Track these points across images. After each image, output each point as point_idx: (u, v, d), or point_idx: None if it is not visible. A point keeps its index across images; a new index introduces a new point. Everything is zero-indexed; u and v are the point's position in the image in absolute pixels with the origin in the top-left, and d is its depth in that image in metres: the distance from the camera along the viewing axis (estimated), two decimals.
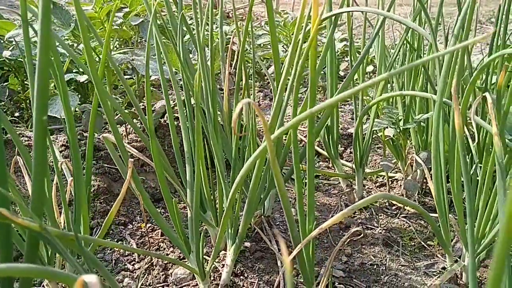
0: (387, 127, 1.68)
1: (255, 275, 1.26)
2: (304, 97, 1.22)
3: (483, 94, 0.86)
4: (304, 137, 2.13)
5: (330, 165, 1.91)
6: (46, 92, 0.55)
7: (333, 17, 1.30)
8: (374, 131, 1.69)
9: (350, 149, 2.09)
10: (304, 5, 0.81)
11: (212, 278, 1.21)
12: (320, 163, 2.00)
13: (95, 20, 1.47)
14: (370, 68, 2.84)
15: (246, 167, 0.81)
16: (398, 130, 1.53)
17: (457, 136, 0.87)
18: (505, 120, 0.94)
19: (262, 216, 1.38)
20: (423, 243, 1.39)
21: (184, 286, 1.18)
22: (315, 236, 0.85)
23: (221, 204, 1.19)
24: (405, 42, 1.54)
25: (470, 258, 1.01)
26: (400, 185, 1.76)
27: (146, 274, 1.22)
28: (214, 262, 1.25)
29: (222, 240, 1.03)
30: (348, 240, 1.43)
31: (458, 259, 1.24)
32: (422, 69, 1.58)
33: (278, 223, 1.54)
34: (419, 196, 1.67)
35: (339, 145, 2.12)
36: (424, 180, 1.71)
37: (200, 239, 1.04)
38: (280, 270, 1.26)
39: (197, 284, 1.16)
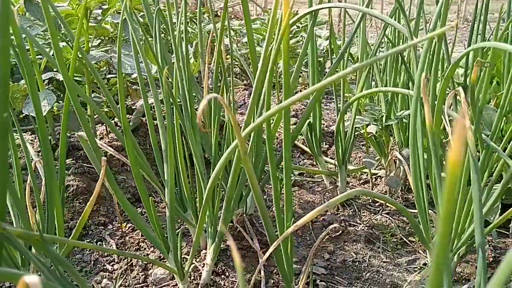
0: (369, 124, 1.68)
1: (236, 274, 1.24)
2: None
3: (456, 89, 0.86)
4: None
5: (315, 162, 1.91)
6: (6, 87, 0.53)
7: (313, 13, 1.29)
8: (357, 128, 1.69)
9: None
10: (278, 1, 0.80)
11: (192, 278, 1.19)
12: (305, 160, 1.99)
13: (73, 17, 1.44)
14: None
15: (220, 164, 0.80)
16: (380, 127, 1.53)
17: (427, 131, 0.87)
18: (480, 115, 0.94)
19: (244, 215, 1.36)
20: (405, 239, 1.40)
21: (164, 286, 1.16)
22: (292, 233, 0.84)
23: (200, 202, 1.18)
24: (385, 39, 1.54)
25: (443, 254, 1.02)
26: (383, 182, 1.76)
27: (126, 275, 1.20)
28: (195, 262, 1.24)
29: (200, 238, 1.02)
30: (331, 237, 1.43)
31: None
32: (403, 67, 1.58)
33: (261, 221, 1.53)
34: (402, 192, 1.67)
35: (324, 143, 2.11)
36: (407, 177, 1.71)
37: (178, 238, 1.03)
38: (261, 269, 1.25)
39: (176, 284, 1.15)
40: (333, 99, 2.67)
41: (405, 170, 1.71)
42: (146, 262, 1.24)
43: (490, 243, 1.36)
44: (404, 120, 1.66)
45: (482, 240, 0.87)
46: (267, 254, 0.82)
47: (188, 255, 1.28)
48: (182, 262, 1.06)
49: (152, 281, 1.17)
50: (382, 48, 1.84)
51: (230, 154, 0.74)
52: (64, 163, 0.92)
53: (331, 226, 0.97)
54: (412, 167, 1.04)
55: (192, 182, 1.25)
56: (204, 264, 1.16)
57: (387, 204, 1.57)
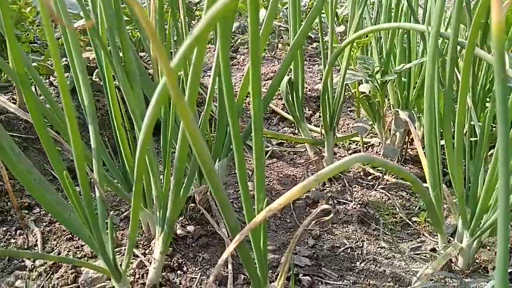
0: (361, 82, 1.41)
1: (197, 268, 0.98)
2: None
3: None
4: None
5: (297, 130, 1.63)
6: None
7: None
8: (347, 87, 1.42)
9: (320, 112, 1.81)
10: None
11: (137, 276, 0.92)
12: (285, 128, 1.72)
13: None
14: (341, 29, 2.55)
15: (148, 120, 0.51)
16: (375, 84, 1.26)
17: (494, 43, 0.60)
18: None
19: (209, 193, 1.09)
20: (406, 220, 1.15)
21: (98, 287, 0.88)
22: (263, 220, 0.57)
23: (147, 178, 0.90)
24: None
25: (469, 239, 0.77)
26: (377, 152, 1.50)
27: (51, 273, 0.92)
28: (141, 256, 0.96)
29: (137, 227, 0.74)
30: (316, 218, 1.17)
31: (451, 239, 1.00)
32: (403, 11, 1.30)
33: (231, 200, 1.26)
34: (399, 163, 1.42)
35: (307, 108, 1.84)
36: (404, 146, 1.46)
37: (108, 227, 0.74)
38: (229, 261, 0.98)
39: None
40: (317, 61, 2.39)
41: (402, 138, 1.45)
42: (77, 257, 0.96)
43: None
44: (403, 79, 1.39)
45: (506, 214, 0.62)
46: (229, 248, 0.55)
47: (136, 248, 1.00)
48: (116, 259, 0.78)
49: (83, 281, 0.89)
50: None
51: (158, 99, 0.46)
52: None
53: (319, 209, 0.70)
54: (428, 126, 0.77)
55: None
56: (152, 259, 0.89)
57: (383, 176, 1.31)
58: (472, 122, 1.10)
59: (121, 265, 0.82)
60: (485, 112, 0.83)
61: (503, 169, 0.37)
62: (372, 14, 1.47)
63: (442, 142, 0.91)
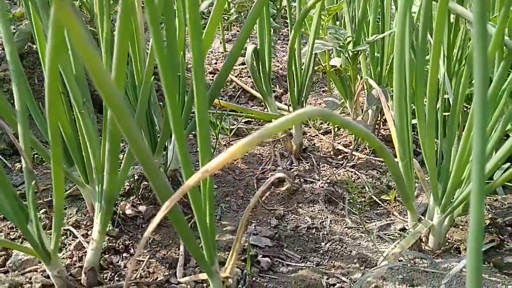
0: (332, 53, 1.33)
1: (145, 251, 0.88)
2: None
3: None
4: (236, 76, 1.75)
5: (265, 109, 1.54)
6: None
7: None
8: (317, 60, 1.33)
9: None
10: None
11: (75, 259, 0.82)
12: (254, 107, 1.62)
13: None
14: None
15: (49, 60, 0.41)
16: (347, 55, 1.18)
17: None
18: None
19: (161, 169, 0.99)
20: (375, 198, 1.08)
21: (30, 272, 0.78)
22: (197, 182, 0.48)
23: (85, 147, 0.79)
24: None
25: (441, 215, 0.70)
26: (349, 132, 1.43)
27: None
28: (80, 237, 0.86)
29: (61, 198, 0.63)
30: (282, 198, 1.09)
31: (422, 217, 0.93)
32: None
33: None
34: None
35: (278, 86, 1.75)
36: (377, 124, 1.39)
37: (30, 199, 0.64)
38: (181, 242, 0.89)
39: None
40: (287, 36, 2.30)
41: (375, 116, 1.38)
42: (10, 239, 0.85)
43: (492, 202, 1.06)
44: (376, 54, 1.32)
45: (480, 187, 0.56)
46: (157, 217, 0.46)
47: (75, 227, 0.90)
48: (44, 239, 0.68)
49: (11, 264, 0.78)
50: None
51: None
52: None
53: (272, 177, 0.62)
54: (397, 93, 0.69)
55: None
56: (91, 240, 0.79)
57: (353, 153, 1.24)
58: (446, 96, 1.04)
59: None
60: (457, 79, 0.76)
61: (479, 134, 0.29)
62: None
63: (415, 121, 0.84)
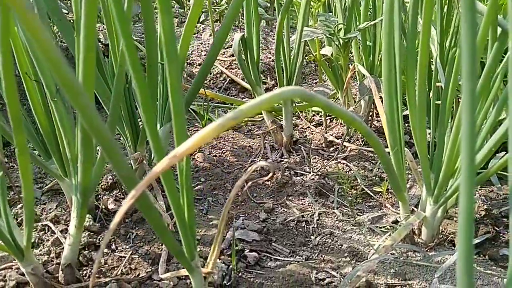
0: (323, 42, 1.29)
1: (127, 246, 0.85)
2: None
3: None
4: (226, 68, 1.71)
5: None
6: None
7: None
8: (308, 48, 1.30)
9: None
10: None
11: (53, 255, 0.78)
12: (245, 100, 1.59)
13: None
14: None
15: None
16: (337, 44, 1.14)
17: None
18: None
19: (145, 162, 0.95)
20: (367, 190, 1.04)
21: (4, 269, 0.74)
22: (166, 168, 0.45)
23: (62, 141, 0.75)
24: None
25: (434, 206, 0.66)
26: (341, 123, 1.40)
27: None
28: (65, 232, 0.83)
29: (30, 188, 0.60)
30: (271, 190, 1.06)
31: (415, 209, 0.90)
32: None
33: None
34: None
35: (269, 78, 1.71)
36: (370, 116, 1.36)
37: (0, 194, 0.60)
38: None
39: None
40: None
41: (367, 107, 1.35)
42: None
43: (487, 193, 1.03)
44: (368, 43, 1.28)
45: (470, 177, 0.53)
46: (122, 209, 0.42)
47: (54, 222, 0.86)
48: (14, 234, 0.64)
49: None
50: None
51: None
52: None
53: (254, 165, 0.58)
54: (386, 86, 0.66)
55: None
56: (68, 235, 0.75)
57: (344, 145, 1.20)
58: (439, 84, 1.01)
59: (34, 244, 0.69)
60: (449, 66, 0.73)
61: (467, 120, 0.26)
62: None
63: (406, 112, 0.80)
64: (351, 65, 1.40)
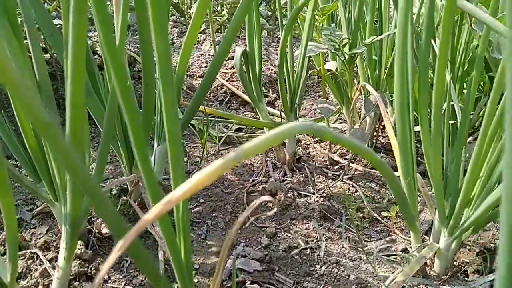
0: (327, 60, 1.25)
1: (121, 276, 0.80)
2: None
3: None
4: (226, 80, 1.66)
5: (259, 116, 1.46)
6: None
7: None
8: (311, 64, 1.25)
9: None
10: None
11: (41, 287, 0.73)
12: (246, 113, 1.54)
13: None
14: None
15: None
16: (342, 59, 1.10)
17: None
18: None
19: (141, 183, 0.90)
20: (375, 214, 0.99)
21: None
22: (160, 215, 0.40)
23: (51, 164, 0.71)
24: None
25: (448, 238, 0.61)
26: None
27: None
28: (54, 261, 0.77)
29: (13, 222, 0.54)
30: (273, 213, 1.01)
31: (426, 237, 0.85)
32: None
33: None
34: None
35: (270, 91, 1.67)
36: (376, 133, 1.31)
37: None
38: (161, 267, 0.81)
39: None
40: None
41: (373, 123, 1.30)
42: None
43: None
44: (374, 57, 1.24)
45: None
46: (107, 265, 0.37)
47: (44, 249, 0.81)
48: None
49: None
50: None
51: None
52: None
53: (258, 201, 0.53)
54: (399, 109, 0.61)
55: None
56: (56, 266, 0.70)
57: (350, 165, 1.16)
58: (452, 103, 0.96)
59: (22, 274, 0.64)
60: (467, 84, 0.68)
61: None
62: None
63: (417, 128, 0.76)
64: (356, 79, 1.36)
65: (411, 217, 0.70)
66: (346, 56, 1.09)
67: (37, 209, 0.92)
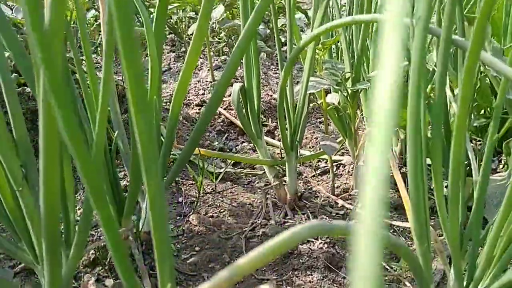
0: (329, 92, 1.19)
1: None
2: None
3: None
4: (224, 109, 1.61)
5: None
6: None
7: None
8: (312, 98, 1.19)
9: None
10: None
11: None
12: (244, 144, 1.48)
13: None
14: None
15: None
16: (345, 94, 1.04)
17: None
18: None
19: (131, 238, 0.84)
20: (384, 264, 0.93)
21: None
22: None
23: (34, 225, 0.64)
24: None
25: None
26: (349, 172, 1.29)
27: None
28: None
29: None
30: (274, 261, 0.94)
31: None
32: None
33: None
34: None
35: (270, 120, 1.61)
36: None
37: None
38: None
39: None
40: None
41: None
42: None
43: None
44: None
45: None
46: None
47: None
48: None
49: None
50: None
51: None
52: None
53: None
54: (411, 157, 0.55)
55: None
56: None
57: (355, 203, 1.09)
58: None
59: None
60: (483, 141, 0.62)
61: None
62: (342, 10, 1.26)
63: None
64: (359, 109, 1.30)
65: (426, 285, 0.63)
66: (349, 91, 1.03)
67: (20, 266, 0.86)
